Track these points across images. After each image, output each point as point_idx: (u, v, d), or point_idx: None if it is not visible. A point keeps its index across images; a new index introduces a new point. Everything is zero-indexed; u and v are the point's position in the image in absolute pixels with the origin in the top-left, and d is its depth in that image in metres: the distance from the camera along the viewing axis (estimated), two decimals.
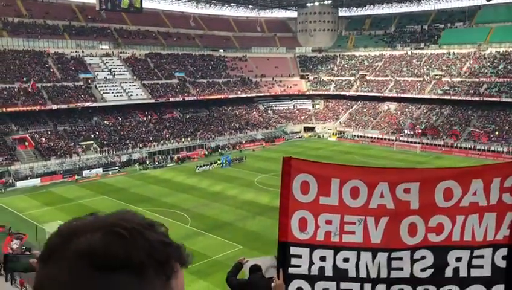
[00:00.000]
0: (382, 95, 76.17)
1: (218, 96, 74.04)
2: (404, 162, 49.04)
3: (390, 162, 49.63)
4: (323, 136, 74.02)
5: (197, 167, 51.42)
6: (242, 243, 28.93)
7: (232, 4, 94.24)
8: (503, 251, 2.75)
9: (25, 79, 57.36)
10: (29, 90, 56.08)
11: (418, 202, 2.78)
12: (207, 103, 73.09)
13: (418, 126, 66.61)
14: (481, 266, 2.77)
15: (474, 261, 2.78)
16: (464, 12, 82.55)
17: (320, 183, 2.80)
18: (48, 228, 30.93)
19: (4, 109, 52.29)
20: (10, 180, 45.40)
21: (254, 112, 77.94)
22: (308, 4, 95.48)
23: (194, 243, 29.38)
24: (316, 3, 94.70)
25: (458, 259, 2.79)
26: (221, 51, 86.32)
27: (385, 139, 66.91)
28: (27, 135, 52.79)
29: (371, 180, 2.81)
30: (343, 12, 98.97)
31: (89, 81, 63.54)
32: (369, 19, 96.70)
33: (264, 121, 75.53)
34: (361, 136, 70.02)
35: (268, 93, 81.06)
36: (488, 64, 70.79)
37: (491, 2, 72.54)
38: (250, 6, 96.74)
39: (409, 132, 65.60)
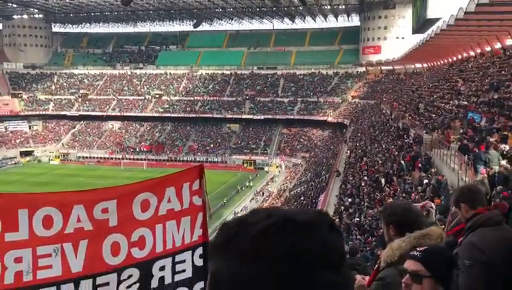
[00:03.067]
0: (105, 114, 75.37)
1: None
2: (132, 179, 48.92)
3: (119, 180, 49.39)
4: (44, 160, 67.83)
5: None
6: None
7: None
8: (199, 251, 2.96)
9: None
10: None
11: (117, 218, 2.74)
12: None
13: (143, 143, 68.65)
14: (184, 270, 2.92)
15: (178, 267, 2.90)
16: (176, 36, 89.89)
17: (4, 218, 2.47)
18: None
19: None
20: None
21: None
22: (15, 16, 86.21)
23: None
24: (25, 16, 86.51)
25: (162, 268, 2.85)
26: None
27: (112, 158, 66.32)
28: None
29: (64, 204, 2.63)
30: (57, 28, 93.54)
31: None
32: (86, 37, 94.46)
33: None
34: (87, 157, 67.42)
35: None
36: (200, 84, 79.12)
37: (197, 29, 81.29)
38: None
39: (136, 149, 66.92)
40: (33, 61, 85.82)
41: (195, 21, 78.59)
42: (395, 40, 70.12)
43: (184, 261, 2.92)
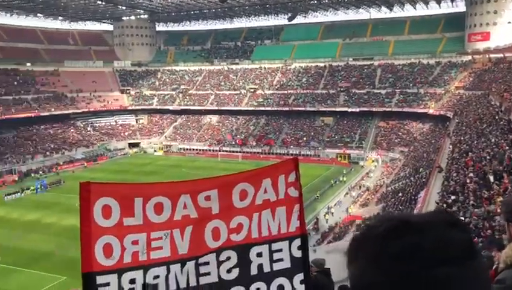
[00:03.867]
0: (204, 108, 78.80)
1: (27, 115, 66.76)
2: (228, 170, 50.86)
3: (216, 171, 51.37)
4: (149, 151, 72.87)
5: (5, 195, 45.42)
6: (66, 273, 26.49)
7: (39, 15, 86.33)
8: (297, 242, 3.06)
9: None
10: None
11: (218, 206, 2.94)
12: (14, 123, 65.21)
13: (238, 136, 70.67)
14: (281, 259, 3.04)
15: (275, 256, 3.02)
16: (271, 31, 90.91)
17: (122, 205, 2.75)
18: None
19: None
20: None
21: (72, 130, 72.50)
22: (124, 17, 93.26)
23: (6, 282, 25.84)
24: (133, 17, 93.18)
25: (259, 254, 3.00)
26: (29, 64, 78.27)
27: (209, 150, 69.26)
28: None
29: (173, 194, 2.88)
30: (161, 27, 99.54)
31: None
32: (187, 35, 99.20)
33: (84, 139, 70.82)
34: (187, 149, 71.15)
35: (87, 109, 76.43)
36: (294, 77, 79.28)
37: (292, 22, 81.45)
38: (60, 18, 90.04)
39: (230, 142, 69.15)
40: (139, 59, 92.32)
41: (290, 14, 78.78)
42: (507, 25, 64.21)
43: (281, 250, 3.04)
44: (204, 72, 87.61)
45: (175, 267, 2.82)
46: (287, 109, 72.57)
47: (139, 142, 74.93)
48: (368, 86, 71.71)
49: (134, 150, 73.08)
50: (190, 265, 2.85)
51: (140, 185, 3.00)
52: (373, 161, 58.62)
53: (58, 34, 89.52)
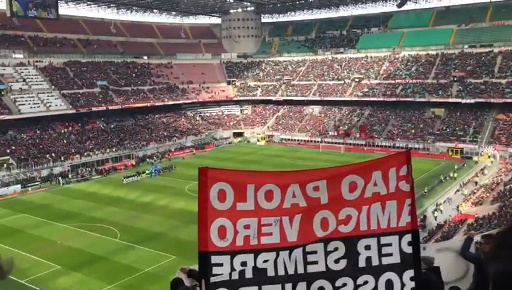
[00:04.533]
0: (306, 98, 78.65)
1: (144, 104, 72.34)
2: (330, 163, 50.87)
3: (317, 163, 51.29)
4: (253, 140, 74.85)
5: (124, 178, 49.84)
6: (175, 253, 28.42)
7: (155, 10, 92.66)
8: (407, 237, 3.01)
9: None
10: None
11: (327, 197, 2.98)
12: (132, 112, 71.16)
13: (341, 127, 69.48)
14: (390, 254, 3.00)
15: (384, 250, 3.00)
16: (378, 18, 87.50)
17: (236, 191, 2.92)
18: None
19: None
20: None
21: (182, 119, 77.09)
22: (231, 11, 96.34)
23: (124, 257, 28.44)
24: (239, 10, 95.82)
25: (367, 247, 2.99)
26: (145, 58, 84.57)
27: (311, 141, 69.09)
28: None
29: (282, 182, 2.97)
30: (266, 18, 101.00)
31: (2, 92, 59.36)
32: (291, 25, 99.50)
33: (193, 128, 74.94)
34: (288, 139, 71.78)
35: (196, 100, 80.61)
36: (402, 66, 75.58)
37: (401, 9, 77.50)
38: (174, 13, 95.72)
39: (333, 133, 68.26)
40: (245, 51, 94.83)
41: (399, 1, 75.04)
42: None
43: (390, 244, 3.02)
44: (307, 62, 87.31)
45: (284, 254, 2.92)
46: (394, 99, 69.54)
47: (243, 132, 77.29)
48: (485, 75, 65.87)
49: (239, 139, 75.57)
50: (298, 253, 2.94)
51: (252, 172, 3.12)
52: (489, 157, 53.94)
53: (172, 29, 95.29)
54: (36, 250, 29.79)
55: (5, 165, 50.77)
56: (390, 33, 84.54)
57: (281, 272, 2.91)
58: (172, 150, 65.41)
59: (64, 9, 76.45)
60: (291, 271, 2.93)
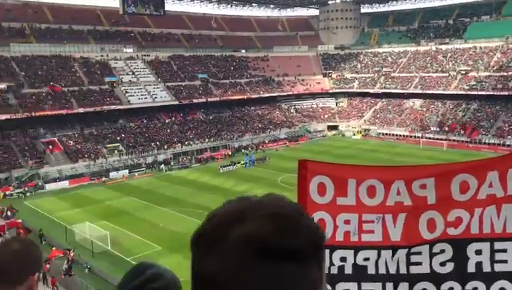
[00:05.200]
0: (407, 91, 75.08)
1: (241, 97, 74.27)
2: (432, 160, 48.15)
3: (418, 159, 48.85)
4: (348, 134, 73.37)
5: (221, 167, 51.70)
6: None
7: (254, 4, 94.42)
8: None
9: (51, 83, 58.81)
10: (56, 88, 57.40)
11: (435, 196, 2.79)
12: (230, 104, 73.44)
13: (444, 122, 65.36)
14: (505, 261, 2.75)
15: (497, 256, 2.76)
16: (490, 5, 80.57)
17: (336, 184, 2.82)
18: (77, 230, 31.65)
19: (33, 113, 53.64)
20: (40, 183, 46.57)
21: (277, 112, 77.90)
22: (330, 2, 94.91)
23: None
24: (338, 1, 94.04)
25: (478, 252, 2.76)
26: (243, 51, 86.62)
27: (411, 136, 65.91)
28: (55, 139, 54.07)
29: (386, 178, 2.83)
30: (365, 8, 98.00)
31: (114, 84, 64.63)
32: (392, 15, 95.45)
33: (287, 120, 75.39)
34: (386, 134, 69.18)
35: (291, 92, 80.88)
36: None
37: None
38: (272, 6, 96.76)
39: (436, 129, 64.48)
40: (343, 42, 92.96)
41: None
42: None
43: (505, 251, 2.76)
44: (409, 53, 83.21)
45: (386, 253, 2.79)
46: (505, 93, 63.72)
47: (338, 125, 76.02)
48: None
49: (333, 132, 74.50)
50: (401, 253, 2.79)
51: (353, 166, 3.02)
52: None
53: (269, 22, 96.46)
54: (140, 231, 32.15)
55: (115, 151, 55.35)
56: (504, 21, 77.38)
57: (382, 270, 2.79)
58: (266, 141, 66.45)
59: (170, 6, 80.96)
60: (392, 270, 2.80)
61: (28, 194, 43.90)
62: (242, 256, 0.78)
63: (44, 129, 55.10)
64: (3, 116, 51.46)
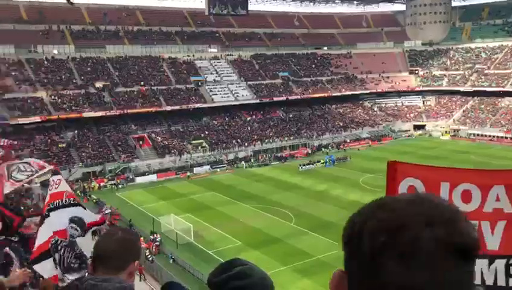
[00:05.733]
0: (503, 89, 69.57)
1: (322, 95, 73.49)
2: None
3: None
4: (435, 134, 69.66)
5: (301, 165, 51.58)
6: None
7: (337, 1, 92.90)
8: None
9: (142, 83, 62.48)
10: (143, 90, 60.96)
11: None
12: (310, 102, 72.97)
13: None
14: None
15: None
16: None
17: (428, 188, 2.66)
18: (163, 221, 33.32)
19: (125, 111, 57.39)
20: (130, 176, 49.68)
21: (359, 110, 76.03)
22: None
23: (298, 242, 29.60)
24: None
25: None
26: (325, 48, 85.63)
27: (507, 137, 61.06)
28: (145, 135, 57.35)
29: (483, 183, 2.63)
30: (456, 2, 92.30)
31: (199, 83, 67.06)
32: (487, 8, 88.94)
33: (370, 119, 73.29)
34: (478, 135, 64.68)
35: (375, 90, 78.50)
36: None
37: None
38: (355, 2, 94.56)
39: None
40: (431, 38, 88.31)
41: None
42: None
43: None
44: (506, 48, 77.05)
45: (482, 262, 2.60)
46: None
47: (425, 125, 72.42)
48: None
49: (419, 132, 71.12)
50: (499, 263, 2.60)
51: (447, 169, 2.85)
52: None
53: (352, 18, 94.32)
54: (221, 225, 33.09)
55: (199, 148, 57.46)
56: None
57: (477, 281, 2.62)
58: (348, 140, 65.14)
59: (253, 6, 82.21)
60: (489, 282, 2.60)
61: (120, 186, 47.03)
62: (446, 262, 0.80)
63: (135, 125, 58.65)
64: (99, 113, 55.65)
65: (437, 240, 0.81)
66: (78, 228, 4.07)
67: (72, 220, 4.17)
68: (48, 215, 4.28)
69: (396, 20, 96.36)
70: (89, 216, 4.38)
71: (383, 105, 78.22)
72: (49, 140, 51.93)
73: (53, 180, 4.52)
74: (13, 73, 56.40)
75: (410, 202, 0.89)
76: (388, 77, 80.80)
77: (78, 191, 41.13)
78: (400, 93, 79.47)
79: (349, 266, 0.90)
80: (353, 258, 0.89)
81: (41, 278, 4.12)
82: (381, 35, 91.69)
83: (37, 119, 51.39)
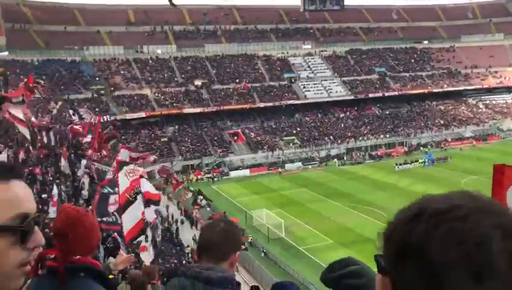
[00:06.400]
0: None
1: (421, 91, 69.84)
2: None
3: None
4: None
5: (397, 165, 49.60)
6: None
7: None
8: None
9: (237, 80, 64.29)
10: (241, 90, 62.57)
11: None
12: (408, 98, 69.70)
13: None
14: None
15: None
16: None
17: None
18: (255, 215, 34.12)
19: (222, 107, 59.58)
20: (225, 170, 51.51)
21: (462, 107, 71.04)
22: None
23: None
24: None
25: None
26: (426, 42, 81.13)
27: None
28: (239, 130, 59.03)
29: None
30: None
31: (292, 80, 67.32)
32: None
33: (475, 117, 68.15)
34: None
35: (480, 86, 72.82)
36: None
37: None
38: None
39: None
40: None
41: None
42: None
43: None
44: None
45: None
46: None
47: None
48: None
49: None
50: None
51: None
52: None
53: (456, 9, 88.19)
54: (311, 222, 33.06)
55: (291, 144, 57.79)
56: None
57: None
58: (449, 139, 61.26)
59: (349, 0, 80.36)
60: None
61: (215, 179, 48.99)
62: None
63: (230, 121, 60.59)
64: (198, 110, 58.42)
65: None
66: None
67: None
68: (135, 199, 4.66)
69: (506, 9, 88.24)
70: (150, 188, 4.69)
71: (490, 102, 72.25)
72: (152, 134, 55.65)
73: (131, 169, 4.91)
74: (122, 72, 61.32)
75: (482, 209, 0.76)
76: (496, 72, 74.45)
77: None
78: (509, 89, 72.88)
79: (400, 273, 0.76)
80: (410, 267, 0.75)
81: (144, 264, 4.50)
82: (489, 27, 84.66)
83: (142, 114, 55.40)
